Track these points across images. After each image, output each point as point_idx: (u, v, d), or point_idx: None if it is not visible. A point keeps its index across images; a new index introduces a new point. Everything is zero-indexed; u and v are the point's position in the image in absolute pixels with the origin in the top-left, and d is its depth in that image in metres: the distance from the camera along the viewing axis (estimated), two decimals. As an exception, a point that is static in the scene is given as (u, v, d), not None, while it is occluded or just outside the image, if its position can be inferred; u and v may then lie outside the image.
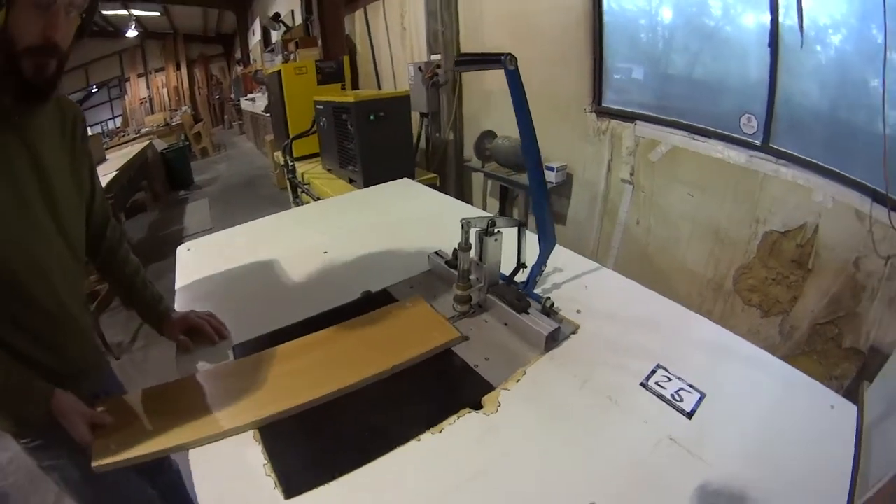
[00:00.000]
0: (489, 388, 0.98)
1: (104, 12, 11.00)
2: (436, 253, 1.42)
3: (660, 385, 0.99)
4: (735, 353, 1.09)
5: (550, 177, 3.05)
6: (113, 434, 0.90)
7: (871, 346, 2.02)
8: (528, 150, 1.06)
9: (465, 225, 1.06)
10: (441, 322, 1.16)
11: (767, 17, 2.18)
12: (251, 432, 0.90)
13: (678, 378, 1.00)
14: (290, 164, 4.00)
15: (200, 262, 1.63)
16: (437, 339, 1.11)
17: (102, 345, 3.31)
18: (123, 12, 11.31)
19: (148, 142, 7.92)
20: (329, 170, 3.83)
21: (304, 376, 1.01)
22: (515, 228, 1.18)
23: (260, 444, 0.88)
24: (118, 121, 14.15)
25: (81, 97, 14.12)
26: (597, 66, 2.93)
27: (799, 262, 2.25)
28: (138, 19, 12.22)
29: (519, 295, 1.13)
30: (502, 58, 0.93)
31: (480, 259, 1.14)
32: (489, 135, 3.39)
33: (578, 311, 1.20)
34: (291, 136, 4.05)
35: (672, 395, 0.96)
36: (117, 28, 12.26)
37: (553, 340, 1.07)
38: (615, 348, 1.09)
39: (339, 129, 3.38)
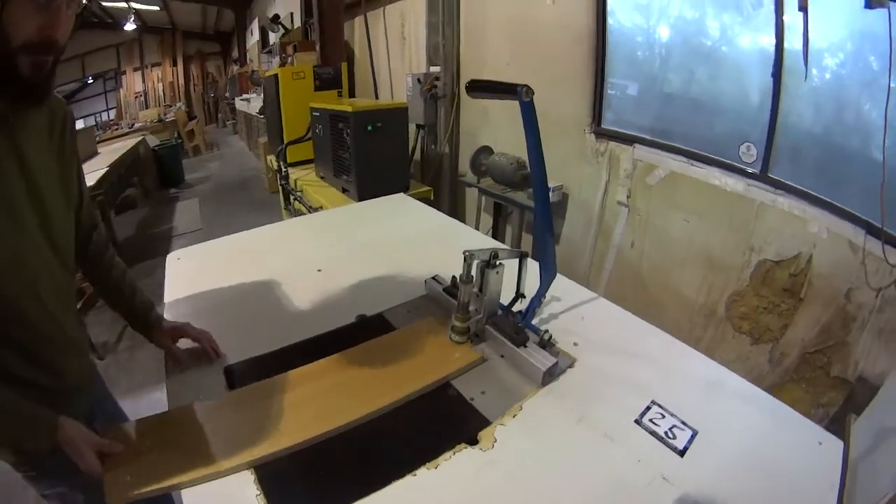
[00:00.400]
0: (485, 422, 0.97)
1: (103, 3, 10.95)
2: (433, 278, 1.40)
3: (654, 422, 0.98)
4: (727, 387, 1.09)
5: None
6: (123, 466, 0.85)
7: (858, 375, 2.03)
8: (537, 182, 1.06)
9: (469, 258, 1.05)
10: (458, 343, 1.16)
11: (770, 42, 2.19)
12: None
13: (672, 415, 1.00)
14: (284, 170, 3.97)
15: (190, 274, 1.61)
16: (458, 361, 1.10)
17: (89, 343, 3.26)
18: (123, 5, 11.25)
19: (140, 137, 7.85)
20: (322, 177, 3.81)
21: (313, 406, 0.99)
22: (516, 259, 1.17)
23: (254, 475, 0.86)
24: (112, 113, 14.05)
25: (77, 87, 14.01)
26: (598, 87, 2.94)
27: (791, 291, 2.26)
28: (137, 12, 12.15)
29: (517, 328, 1.12)
30: (519, 89, 0.93)
31: (481, 291, 1.13)
32: (486, 150, 3.38)
33: (575, 344, 1.19)
34: (286, 142, 4.02)
35: (665, 433, 0.96)
36: (116, 20, 12.19)
37: (550, 375, 1.06)
38: (611, 383, 1.08)
39: (336, 137, 3.35)
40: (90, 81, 13.97)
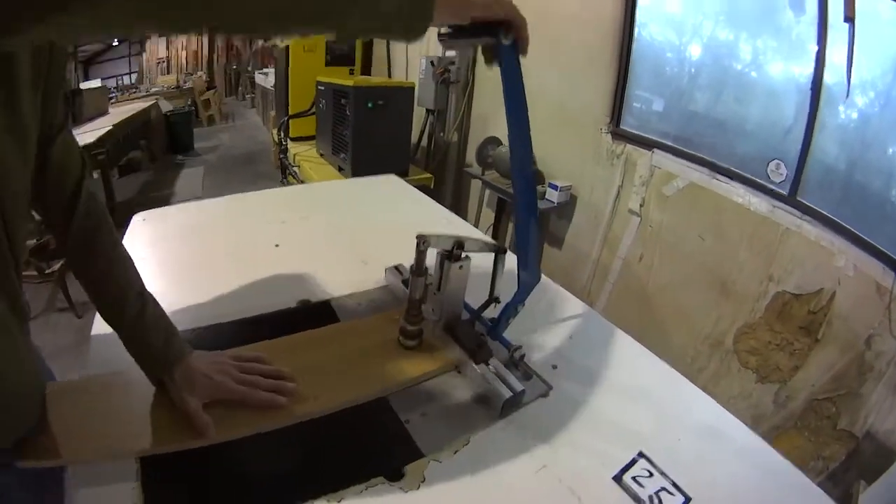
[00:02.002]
0: (417, 454, 0.74)
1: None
2: (395, 267, 1.18)
3: (638, 481, 0.74)
4: (731, 441, 0.85)
5: (553, 196, 2.82)
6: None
7: (866, 431, 1.83)
8: (518, 158, 0.82)
9: (422, 243, 0.82)
10: (440, 345, 0.95)
11: (804, 66, 2.02)
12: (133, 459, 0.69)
13: (662, 473, 0.76)
14: (284, 143, 3.79)
15: (148, 236, 1.40)
16: (427, 365, 0.89)
17: (66, 300, 3.08)
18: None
19: (153, 101, 7.71)
20: (322, 154, 3.62)
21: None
22: (492, 254, 0.94)
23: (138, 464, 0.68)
24: (134, 77, 13.98)
25: (101, 48, 13.96)
26: (619, 85, 2.71)
27: (808, 329, 2.04)
28: (167, -23, 12.04)
29: (480, 340, 0.89)
30: (498, 29, 0.69)
31: (439, 288, 0.90)
32: (493, 141, 3.15)
33: (554, 367, 0.96)
34: (289, 115, 3.83)
35: (651, 498, 0.72)
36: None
37: (513, 404, 0.83)
38: (591, 423, 0.85)
39: (337, 113, 3.17)
40: (116, 43, 13.90)
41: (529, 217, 0.86)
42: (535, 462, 0.76)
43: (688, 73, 2.54)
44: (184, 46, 14.18)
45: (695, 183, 2.41)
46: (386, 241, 1.30)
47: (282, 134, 3.81)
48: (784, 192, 2.13)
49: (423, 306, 0.90)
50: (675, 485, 0.74)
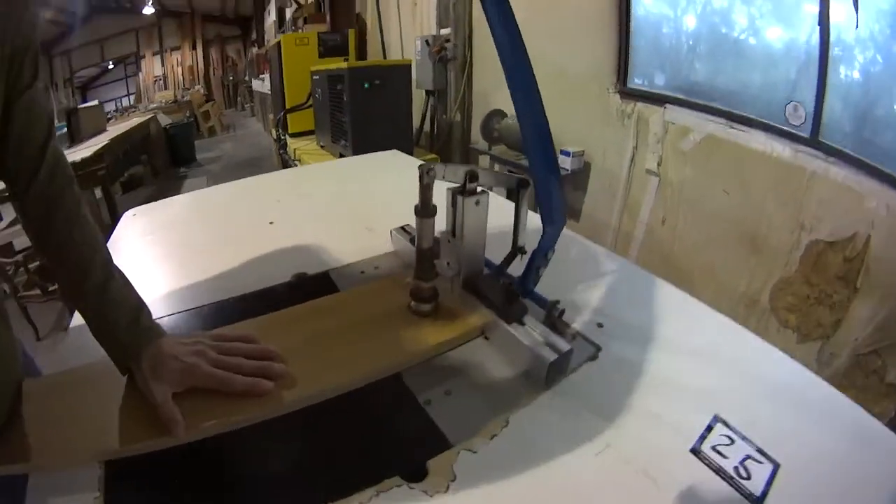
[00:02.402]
0: (443, 443, 0.58)
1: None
2: (402, 228, 1.02)
3: (719, 451, 0.58)
4: (810, 397, 0.68)
5: (565, 163, 2.64)
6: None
7: None
8: (516, 76, 0.65)
9: (426, 173, 0.66)
10: (458, 306, 0.79)
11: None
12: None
13: (744, 439, 0.60)
14: (283, 138, 3.64)
15: (137, 230, 1.27)
16: (447, 331, 0.73)
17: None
18: (142, -12, 11.07)
19: (151, 115, 7.63)
20: (322, 146, 3.47)
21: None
22: (508, 192, 0.78)
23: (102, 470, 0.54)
24: (132, 98, 13.90)
25: (97, 73, 13.92)
26: (623, 42, 2.53)
27: (845, 279, 1.87)
28: (157, -4, 11.99)
29: (510, 293, 0.73)
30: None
31: (454, 233, 0.73)
32: (498, 114, 2.98)
33: (600, 326, 0.79)
34: (286, 109, 3.68)
35: (736, 469, 0.56)
36: (135, 4, 12.06)
37: (560, 370, 0.67)
38: (652, 387, 0.68)
39: (334, 100, 3.02)
40: (111, 67, 13.86)
41: (549, 175, 0.70)
42: (594, 441, 0.60)
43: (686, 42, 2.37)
44: (179, 63, 14.09)
45: (712, 134, 2.23)
46: (393, 208, 1.13)
47: (280, 130, 3.66)
48: (805, 134, 1.97)
49: (436, 262, 0.74)
50: (760, 451, 0.58)
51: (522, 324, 0.70)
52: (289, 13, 7.79)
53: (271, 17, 9.91)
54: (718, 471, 0.56)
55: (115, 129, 5.94)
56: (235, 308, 0.84)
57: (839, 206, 1.85)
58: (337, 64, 3.08)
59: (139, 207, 1.44)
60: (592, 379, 0.69)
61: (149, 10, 11.91)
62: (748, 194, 2.13)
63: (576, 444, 0.59)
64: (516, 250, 0.78)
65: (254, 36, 13.15)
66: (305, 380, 0.63)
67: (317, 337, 0.71)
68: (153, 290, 0.89)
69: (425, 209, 0.67)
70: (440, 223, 0.73)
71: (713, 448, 0.59)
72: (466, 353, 0.72)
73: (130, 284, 0.66)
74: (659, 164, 2.44)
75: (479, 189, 0.71)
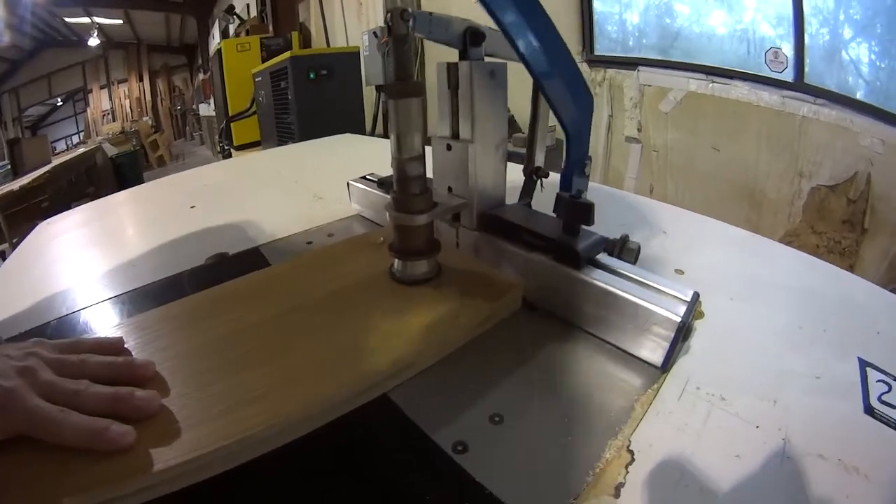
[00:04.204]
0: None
1: (66, 20, 10.20)
2: (364, 178, 0.72)
3: (885, 401, 0.36)
4: None
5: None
6: None
7: None
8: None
9: (399, 19, 0.37)
10: (476, 262, 0.49)
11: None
12: None
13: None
14: (226, 149, 3.29)
15: (49, 235, 0.94)
16: (475, 301, 0.43)
17: None
18: (86, 20, 10.49)
19: (96, 145, 7.14)
20: (271, 153, 3.13)
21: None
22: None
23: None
24: (83, 135, 13.20)
25: (46, 111, 13.19)
26: (586, 7, 2.30)
27: (851, 222, 1.76)
28: (101, 27, 11.38)
29: (579, 209, 0.41)
30: None
31: (456, 134, 0.44)
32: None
33: (679, 272, 0.52)
34: (228, 117, 3.33)
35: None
36: (80, 37, 11.49)
37: (683, 337, 0.38)
38: (782, 339, 0.42)
39: (278, 99, 2.70)
40: (59, 104, 13.15)
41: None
42: (763, 430, 0.32)
43: None
44: (126, 95, 13.46)
45: (693, 92, 2.03)
46: (351, 177, 0.82)
47: (224, 142, 3.30)
48: (790, 79, 1.84)
49: (429, 185, 0.44)
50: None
51: (597, 266, 0.40)
52: (232, 29, 7.44)
53: (216, 41, 9.49)
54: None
55: (59, 161, 5.52)
56: (112, 313, 0.53)
57: (835, 147, 1.74)
58: (279, 59, 2.77)
59: (56, 216, 1.11)
60: (697, 345, 0.41)
61: (94, 41, 11.31)
62: (740, 148, 1.93)
63: (746, 451, 0.31)
64: (533, 173, 0.50)
65: (199, 62, 12.65)
66: (208, 424, 0.31)
67: (237, 338, 0.40)
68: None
69: (403, 82, 0.38)
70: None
71: (881, 400, 0.36)
72: (505, 339, 0.42)
73: None
74: (639, 130, 2.21)
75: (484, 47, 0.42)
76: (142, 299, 0.54)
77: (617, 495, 0.28)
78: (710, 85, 1.98)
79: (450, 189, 0.47)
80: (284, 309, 0.43)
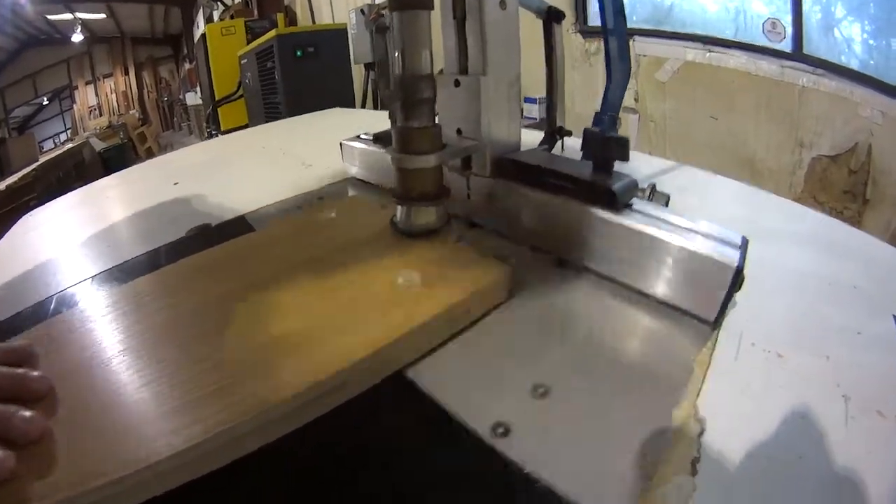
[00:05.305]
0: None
1: (49, 17, 9.92)
2: (357, 136, 0.66)
3: None
4: None
5: (532, 111, 2.31)
6: None
7: None
8: None
9: None
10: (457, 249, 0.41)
11: None
12: None
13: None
14: (214, 134, 3.20)
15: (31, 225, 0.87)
16: (470, 282, 0.35)
17: None
18: (68, 16, 10.20)
19: (84, 140, 7.00)
20: (261, 138, 3.05)
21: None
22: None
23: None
24: (70, 132, 12.96)
25: (32, 111, 12.93)
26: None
27: (853, 192, 1.73)
28: (84, 23, 11.10)
29: (611, 144, 0.35)
30: None
31: (465, 68, 0.38)
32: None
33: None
34: (215, 101, 3.23)
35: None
36: (63, 34, 11.21)
37: (736, 289, 0.32)
38: (821, 290, 0.39)
39: (265, 80, 2.61)
40: (46, 103, 12.89)
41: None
42: (818, 390, 0.28)
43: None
44: (112, 90, 13.21)
45: (690, 61, 1.97)
46: (338, 146, 0.75)
47: (212, 127, 3.21)
48: (788, 49, 1.79)
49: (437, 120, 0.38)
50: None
51: (635, 210, 0.34)
52: (216, 16, 7.27)
53: (200, 30, 9.32)
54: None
55: (46, 158, 5.41)
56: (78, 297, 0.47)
57: (836, 118, 1.70)
58: (264, 38, 2.68)
59: (38, 209, 1.04)
60: (745, 297, 0.35)
61: (77, 37, 11.04)
62: (739, 117, 1.89)
63: (815, 413, 0.26)
64: (556, 132, 0.46)
65: (185, 51, 12.42)
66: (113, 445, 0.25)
67: (213, 308, 0.34)
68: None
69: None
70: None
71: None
72: (535, 300, 0.36)
73: None
74: (636, 100, 2.15)
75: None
76: (114, 279, 0.48)
77: (694, 472, 0.22)
78: (708, 55, 1.92)
79: (459, 132, 0.40)
80: (263, 279, 0.37)
